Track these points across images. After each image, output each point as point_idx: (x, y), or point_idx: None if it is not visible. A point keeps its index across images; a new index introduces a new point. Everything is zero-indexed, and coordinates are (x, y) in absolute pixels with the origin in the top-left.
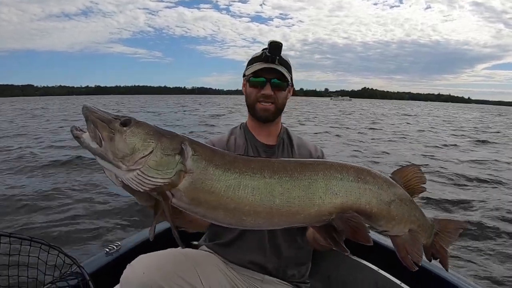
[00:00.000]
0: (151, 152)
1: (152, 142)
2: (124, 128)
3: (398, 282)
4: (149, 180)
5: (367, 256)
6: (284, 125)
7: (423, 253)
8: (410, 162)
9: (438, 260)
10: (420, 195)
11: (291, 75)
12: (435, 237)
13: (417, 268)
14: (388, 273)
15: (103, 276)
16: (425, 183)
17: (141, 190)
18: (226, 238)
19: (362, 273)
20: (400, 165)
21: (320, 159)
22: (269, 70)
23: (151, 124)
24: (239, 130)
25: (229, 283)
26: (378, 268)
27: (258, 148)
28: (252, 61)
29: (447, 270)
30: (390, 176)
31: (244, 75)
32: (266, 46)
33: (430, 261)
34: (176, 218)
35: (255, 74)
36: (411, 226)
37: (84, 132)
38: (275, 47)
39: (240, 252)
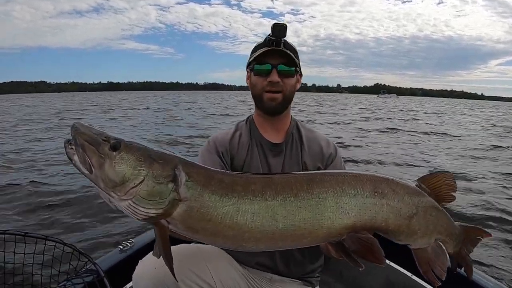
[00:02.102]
0: (142, 182)
1: (143, 170)
2: (114, 154)
3: (409, 274)
4: (142, 210)
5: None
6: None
7: (448, 263)
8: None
9: (463, 268)
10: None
11: (299, 61)
12: (462, 245)
13: (440, 284)
14: (399, 265)
15: (117, 273)
16: (455, 192)
17: (135, 219)
18: None
19: (373, 267)
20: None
21: (332, 171)
22: (274, 55)
23: (142, 147)
24: (245, 125)
25: (241, 279)
26: (389, 261)
27: (264, 147)
28: (255, 49)
29: (470, 278)
30: (416, 184)
31: (247, 66)
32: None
33: (455, 270)
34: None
35: (259, 60)
36: (437, 236)
37: (75, 153)
38: (279, 28)
39: (247, 254)
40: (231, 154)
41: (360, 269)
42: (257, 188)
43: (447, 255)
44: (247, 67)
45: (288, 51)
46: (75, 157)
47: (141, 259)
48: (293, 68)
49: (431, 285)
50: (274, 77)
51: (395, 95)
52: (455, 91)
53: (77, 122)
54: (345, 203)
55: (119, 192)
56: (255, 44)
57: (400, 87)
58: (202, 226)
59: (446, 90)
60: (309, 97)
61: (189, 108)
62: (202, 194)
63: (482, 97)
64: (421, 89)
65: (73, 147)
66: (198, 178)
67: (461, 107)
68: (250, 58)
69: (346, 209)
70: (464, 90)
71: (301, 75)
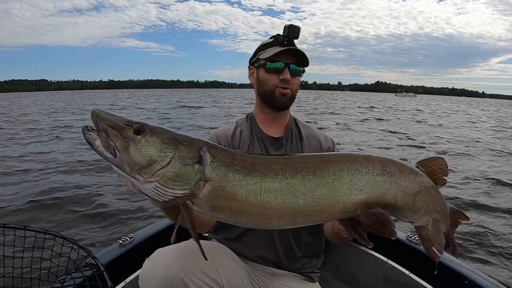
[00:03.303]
0: (169, 163)
1: (169, 151)
2: (138, 137)
3: (406, 272)
4: (169, 191)
5: (376, 247)
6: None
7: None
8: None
9: (450, 248)
10: None
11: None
12: (449, 226)
13: (440, 259)
14: (397, 263)
15: (117, 267)
16: (447, 176)
17: (160, 201)
18: (232, 233)
19: (371, 264)
20: None
21: (344, 153)
22: (288, 55)
23: (166, 130)
24: (245, 122)
25: (244, 275)
26: (387, 259)
27: (265, 141)
28: (265, 46)
29: (456, 257)
30: (415, 166)
31: (251, 63)
32: (276, 34)
33: (445, 249)
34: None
35: (272, 58)
36: (435, 215)
37: (96, 138)
38: (293, 29)
39: (248, 247)
40: (233, 148)
41: (369, 247)
42: (278, 167)
43: (443, 234)
44: (252, 64)
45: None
46: (97, 142)
47: (140, 254)
48: (302, 68)
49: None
50: (287, 75)
51: (412, 93)
52: (456, 89)
53: (96, 108)
54: (358, 180)
55: (146, 175)
56: (259, 42)
57: (401, 85)
58: (227, 205)
59: (447, 88)
60: (340, 97)
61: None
62: (226, 174)
63: (483, 95)
64: (422, 86)
65: (92, 133)
66: (222, 159)
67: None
68: (258, 55)
69: (359, 186)
70: (465, 88)
71: (302, 73)
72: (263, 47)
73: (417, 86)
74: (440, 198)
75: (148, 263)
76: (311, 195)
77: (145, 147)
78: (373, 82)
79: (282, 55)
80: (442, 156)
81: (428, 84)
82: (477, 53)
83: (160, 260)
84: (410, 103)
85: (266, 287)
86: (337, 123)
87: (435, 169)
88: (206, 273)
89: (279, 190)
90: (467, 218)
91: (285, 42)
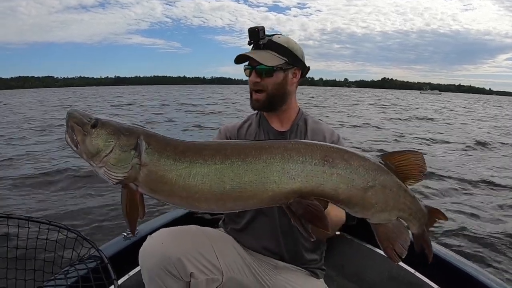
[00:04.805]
0: (111, 151)
1: (112, 141)
2: (93, 130)
3: (412, 270)
4: (113, 175)
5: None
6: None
7: (409, 244)
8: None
9: (425, 250)
10: None
11: (290, 57)
12: (426, 226)
13: (400, 261)
14: (401, 261)
15: (121, 260)
16: (424, 172)
17: (112, 183)
18: (239, 223)
19: (376, 262)
20: None
21: (284, 141)
22: (252, 58)
23: (115, 123)
24: (255, 116)
25: (244, 264)
26: None
27: (270, 134)
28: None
29: (431, 260)
30: (379, 159)
31: None
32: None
33: (419, 251)
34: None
35: (240, 63)
36: (400, 214)
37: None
38: (252, 34)
39: (253, 237)
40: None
41: (312, 240)
42: (208, 153)
43: (409, 233)
44: None
45: (267, 51)
46: (67, 138)
47: None
48: (272, 67)
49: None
50: (252, 77)
51: (437, 91)
52: (463, 85)
53: (72, 108)
54: (291, 168)
55: (96, 161)
56: None
57: (407, 82)
58: (161, 187)
59: (454, 85)
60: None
61: None
62: (159, 159)
63: (490, 92)
64: (429, 83)
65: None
66: (156, 146)
67: None
68: None
69: (292, 174)
70: (472, 85)
71: (298, 68)
72: None
73: (424, 83)
74: (406, 196)
75: (148, 239)
76: (238, 181)
77: (95, 138)
78: (380, 79)
79: (250, 58)
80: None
81: (435, 81)
82: (484, 50)
83: (159, 237)
84: (457, 104)
85: (269, 279)
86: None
87: (406, 164)
88: (204, 256)
89: (206, 175)
90: (445, 218)
91: (253, 46)
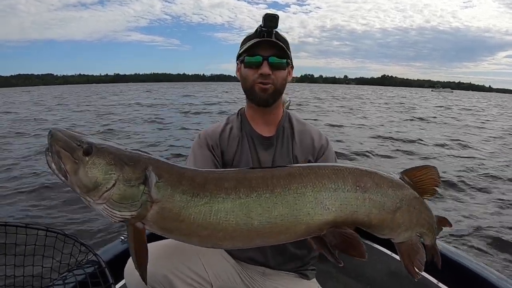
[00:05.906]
0: (113, 185)
1: (114, 173)
2: (86, 159)
3: None
4: (117, 213)
5: (380, 241)
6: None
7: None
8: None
9: (435, 259)
10: None
11: (290, 53)
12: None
13: (420, 277)
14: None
15: (118, 264)
16: (438, 186)
17: (113, 222)
18: None
19: (376, 258)
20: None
21: (311, 165)
22: (266, 47)
23: (114, 149)
24: (236, 118)
25: (235, 272)
26: (391, 252)
27: (254, 140)
28: (246, 40)
29: (439, 267)
30: (399, 176)
31: (236, 58)
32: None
33: (430, 262)
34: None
35: (250, 52)
36: (420, 229)
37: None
38: (270, 18)
39: (239, 249)
40: (221, 148)
41: (340, 265)
42: (230, 185)
43: (423, 250)
44: (237, 59)
45: (280, 42)
46: (53, 165)
47: None
48: (285, 60)
49: (413, 274)
50: (265, 69)
51: (449, 89)
52: (463, 83)
53: (53, 128)
54: (325, 198)
55: (94, 197)
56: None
57: (407, 79)
58: (176, 226)
59: (454, 82)
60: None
61: None
62: (173, 194)
63: (490, 89)
64: (428, 80)
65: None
66: (168, 178)
67: None
68: (240, 49)
69: (326, 204)
70: (472, 82)
71: (292, 67)
72: (245, 40)
73: (424, 80)
74: (425, 211)
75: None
76: (268, 216)
77: (91, 169)
78: (379, 76)
79: (261, 48)
80: None
81: (435, 78)
82: (483, 47)
83: None
84: (484, 104)
85: (258, 285)
86: None
87: (423, 179)
88: (192, 269)
89: (230, 211)
90: (450, 225)
91: (264, 34)
